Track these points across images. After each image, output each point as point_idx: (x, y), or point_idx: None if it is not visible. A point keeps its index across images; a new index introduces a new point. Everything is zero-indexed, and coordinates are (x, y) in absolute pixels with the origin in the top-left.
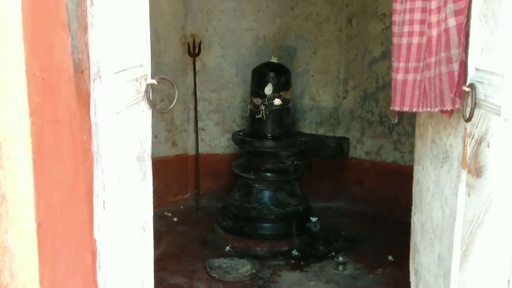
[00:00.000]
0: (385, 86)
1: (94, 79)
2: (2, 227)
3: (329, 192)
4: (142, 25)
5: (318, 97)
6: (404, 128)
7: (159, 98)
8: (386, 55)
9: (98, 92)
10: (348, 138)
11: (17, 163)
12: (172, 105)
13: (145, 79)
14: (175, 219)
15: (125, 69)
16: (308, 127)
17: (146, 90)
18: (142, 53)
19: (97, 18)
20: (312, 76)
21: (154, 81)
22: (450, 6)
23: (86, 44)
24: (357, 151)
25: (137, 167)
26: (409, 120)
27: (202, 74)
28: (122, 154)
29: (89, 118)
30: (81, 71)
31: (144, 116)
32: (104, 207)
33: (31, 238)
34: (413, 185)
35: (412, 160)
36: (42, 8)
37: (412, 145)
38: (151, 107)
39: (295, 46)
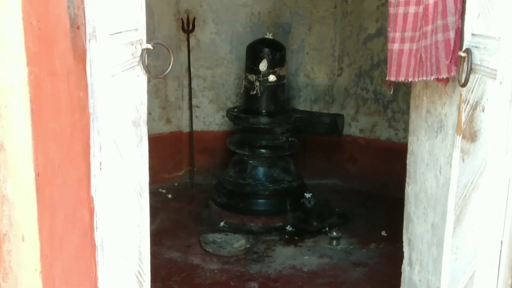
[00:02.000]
0: (380, 63)
1: (89, 39)
2: (0, 176)
3: (323, 169)
4: None
5: (313, 74)
6: (398, 105)
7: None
8: (381, 32)
9: (93, 52)
10: (342, 115)
11: (15, 112)
12: (168, 70)
13: (141, 44)
14: (170, 196)
15: (120, 32)
16: (302, 104)
17: (142, 55)
18: (137, 17)
19: None
20: (307, 53)
21: (149, 46)
22: None
23: (82, 0)
24: (352, 129)
25: (133, 132)
26: (403, 97)
27: (196, 51)
28: (118, 117)
29: (86, 76)
30: (77, 26)
31: (139, 81)
32: (100, 168)
33: (29, 187)
34: (408, 156)
35: (406, 137)
36: None
37: (406, 123)
38: (146, 72)
39: (290, 23)
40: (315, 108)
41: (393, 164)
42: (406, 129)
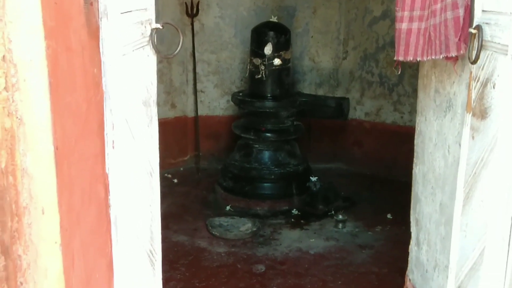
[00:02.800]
0: (385, 46)
1: (101, 17)
2: (20, 150)
3: (329, 153)
4: None
5: (318, 58)
6: (404, 88)
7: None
8: (387, 15)
9: (105, 30)
10: (348, 98)
11: (34, 85)
12: (177, 50)
13: (150, 23)
14: (175, 181)
15: (131, 11)
16: (307, 88)
17: (151, 35)
18: None
19: None
20: (312, 36)
21: (159, 26)
22: None
23: None
24: (357, 112)
25: (143, 112)
26: (409, 80)
27: (201, 35)
28: (129, 97)
29: (99, 52)
30: (90, 3)
31: (149, 61)
32: (113, 147)
33: (49, 161)
34: (415, 136)
35: (411, 120)
36: None
37: (412, 106)
38: (156, 52)
39: (294, 6)
40: (320, 92)
41: (399, 147)
42: (411, 112)
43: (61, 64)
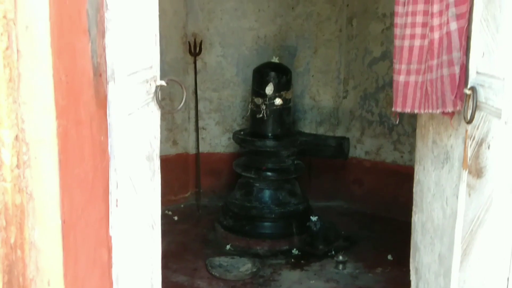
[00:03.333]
0: (385, 86)
1: (108, 81)
2: (29, 224)
3: (329, 191)
4: (152, 27)
5: (319, 96)
6: (403, 128)
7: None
8: (386, 55)
9: (112, 93)
10: (348, 138)
11: (44, 163)
12: (180, 106)
13: (155, 81)
14: (176, 218)
15: (137, 71)
16: (308, 126)
17: (155, 91)
18: (152, 55)
19: (111, 23)
20: (313, 75)
21: (163, 83)
22: (452, 10)
23: (104, 48)
24: (357, 151)
25: (146, 166)
26: (408, 120)
27: (203, 73)
28: (133, 153)
29: (106, 120)
30: (99, 74)
31: (153, 116)
32: (117, 205)
33: (56, 234)
34: (414, 185)
35: (411, 160)
36: (67, 16)
37: (412, 145)
38: (160, 108)
39: (295, 46)
40: (321, 130)
41: (399, 186)
42: (411, 152)
43: (71, 139)
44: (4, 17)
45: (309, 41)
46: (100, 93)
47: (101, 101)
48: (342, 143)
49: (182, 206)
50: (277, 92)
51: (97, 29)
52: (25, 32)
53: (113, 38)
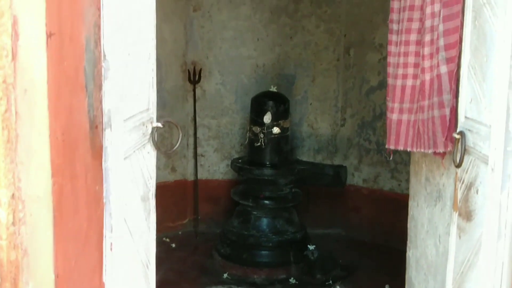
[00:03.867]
0: (382, 115)
1: (105, 129)
2: (23, 279)
3: (327, 219)
4: (149, 71)
5: (316, 124)
6: (401, 156)
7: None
8: (383, 85)
9: (108, 140)
10: (345, 167)
11: (39, 219)
12: (176, 146)
13: (151, 122)
14: (173, 245)
15: (133, 115)
16: (306, 154)
17: (152, 133)
18: (149, 97)
19: (109, 71)
20: (311, 104)
21: (159, 125)
22: (442, 53)
23: (100, 101)
24: (355, 179)
25: (141, 207)
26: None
27: (202, 101)
28: (128, 196)
29: (101, 170)
30: (95, 126)
31: (149, 157)
32: (111, 249)
33: None
34: (408, 220)
35: (408, 188)
36: (64, 76)
37: (409, 174)
38: (156, 148)
39: (294, 74)
40: (319, 158)
41: (397, 214)
42: (408, 180)
43: (65, 194)
44: (4, 81)
45: (307, 70)
46: (95, 144)
47: (97, 152)
48: (339, 172)
49: (180, 233)
50: (275, 121)
51: (94, 83)
52: (24, 95)
53: (110, 86)
